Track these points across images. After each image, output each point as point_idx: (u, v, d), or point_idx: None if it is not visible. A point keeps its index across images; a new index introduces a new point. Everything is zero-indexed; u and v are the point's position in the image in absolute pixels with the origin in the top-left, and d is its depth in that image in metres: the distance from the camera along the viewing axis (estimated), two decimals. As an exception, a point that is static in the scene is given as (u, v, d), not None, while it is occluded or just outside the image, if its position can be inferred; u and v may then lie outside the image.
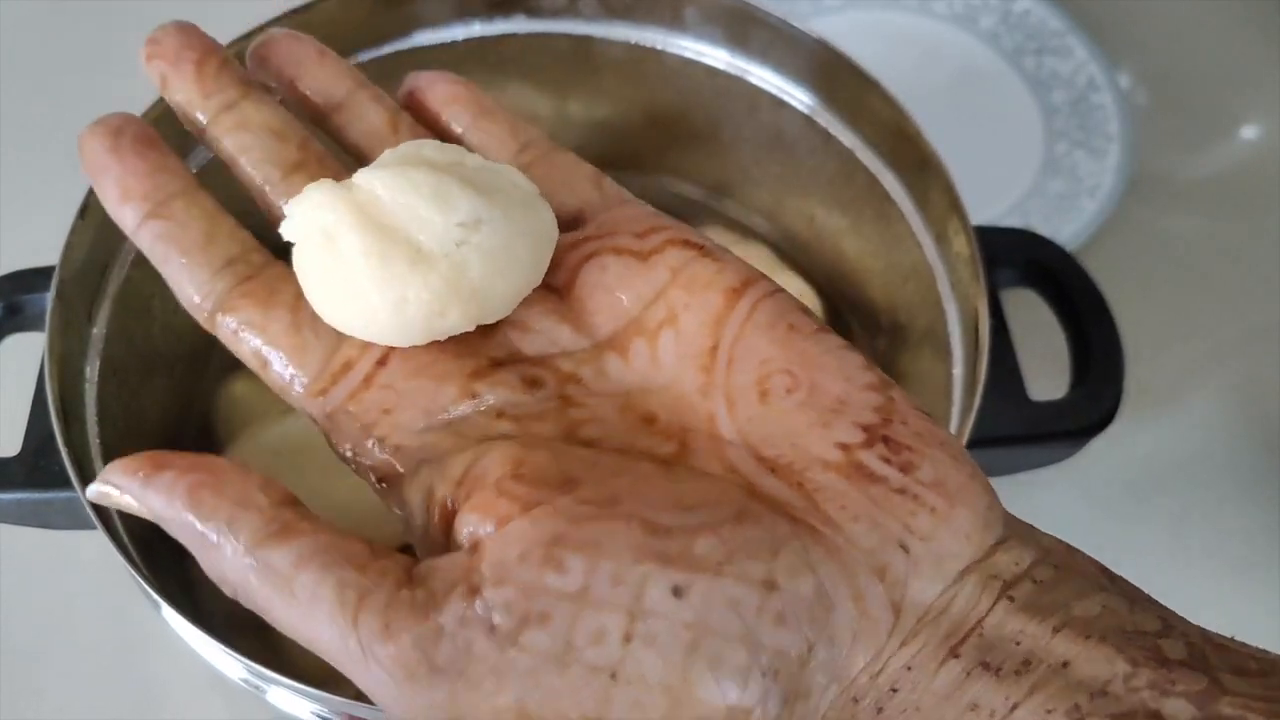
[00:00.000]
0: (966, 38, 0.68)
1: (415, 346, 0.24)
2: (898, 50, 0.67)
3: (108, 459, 0.40)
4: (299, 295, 0.25)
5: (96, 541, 0.40)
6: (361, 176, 0.25)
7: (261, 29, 0.44)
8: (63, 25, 0.70)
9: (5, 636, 0.51)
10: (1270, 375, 0.59)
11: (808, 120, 0.48)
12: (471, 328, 0.24)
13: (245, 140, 0.26)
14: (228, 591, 0.22)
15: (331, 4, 0.46)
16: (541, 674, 0.20)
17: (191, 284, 0.26)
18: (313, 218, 0.24)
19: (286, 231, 0.25)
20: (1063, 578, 0.22)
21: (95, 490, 0.23)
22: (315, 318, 0.25)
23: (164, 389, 0.47)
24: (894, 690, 0.21)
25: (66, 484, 0.37)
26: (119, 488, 0.22)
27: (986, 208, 0.60)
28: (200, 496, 0.21)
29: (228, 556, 0.21)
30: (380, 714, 0.34)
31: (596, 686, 0.20)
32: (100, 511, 0.37)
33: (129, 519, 0.39)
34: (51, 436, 0.38)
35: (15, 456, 0.40)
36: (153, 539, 0.43)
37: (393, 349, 0.25)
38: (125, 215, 0.26)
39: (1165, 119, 0.67)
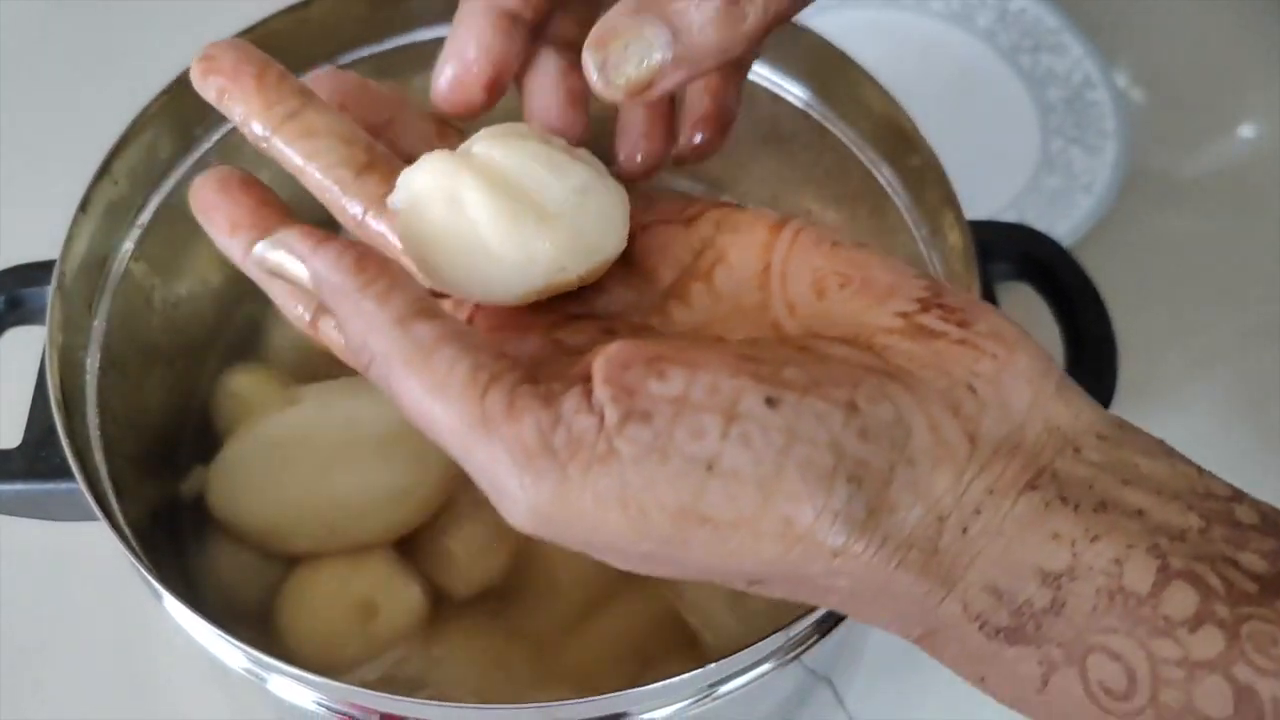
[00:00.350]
0: (963, 35, 0.68)
1: (498, 306, 0.27)
2: (895, 48, 0.67)
3: (108, 450, 0.40)
4: None
5: (96, 535, 0.40)
6: (477, 147, 0.27)
7: (264, 23, 0.44)
8: (64, 22, 0.70)
9: (4, 629, 0.51)
10: (1266, 373, 0.59)
11: (804, 115, 0.49)
12: (579, 284, 0.27)
13: (313, 146, 0.27)
14: (361, 360, 0.23)
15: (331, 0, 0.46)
16: (644, 463, 0.21)
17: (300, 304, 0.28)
18: (435, 182, 0.26)
19: (398, 198, 0.26)
20: (1127, 438, 0.24)
21: (265, 246, 0.24)
22: None
23: (164, 381, 0.47)
24: (977, 512, 0.22)
25: (67, 475, 0.37)
26: (289, 249, 0.24)
27: (983, 203, 0.60)
28: (365, 265, 0.23)
29: (378, 323, 0.22)
30: (383, 704, 0.34)
31: (694, 478, 0.21)
32: (101, 502, 0.37)
33: (130, 510, 0.40)
34: (52, 428, 0.38)
35: (16, 448, 0.40)
36: (153, 531, 0.43)
37: (478, 306, 0.27)
38: (234, 247, 0.27)
39: (1161, 117, 0.68)
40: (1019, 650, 0.22)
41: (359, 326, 0.23)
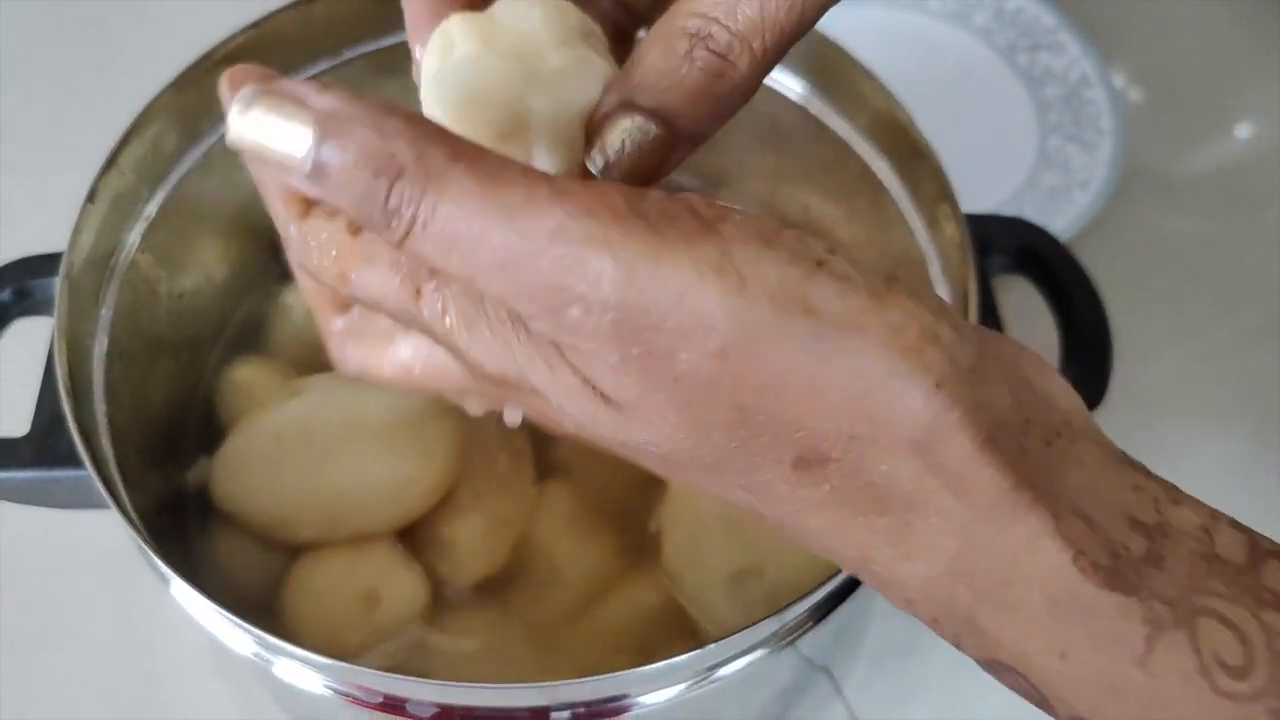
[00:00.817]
0: (961, 34, 0.68)
1: None
2: (893, 46, 0.67)
3: (115, 438, 0.41)
4: None
5: (98, 525, 0.40)
6: (497, 10, 0.26)
7: (268, 19, 0.45)
8: (71, 15, 0.71)
9: (7, 620, 0.52)
10: (1262, 371, 0.60)
11: (802, 110, 0.49)
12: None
13: None
14: (392, 161, 0.21)
15: (334, -4, 0.46)
16: (749, 244, 0.20)
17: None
18: (438, 39, 0.25)
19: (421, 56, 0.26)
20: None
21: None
22: None
23: (169, 371, 0.47)
24: (1058, 434, 0.21)
25: (75, 462, 0.38)
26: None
27: (981, 199, 0.61)
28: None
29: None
30: (390, 685, 0.35)
31: (802, 266, 0.20)
32: (110, 489, 0.38)
33: (136, 499, 0.40)
34: (59, 417, 0.39)
35: (25, 436, 0.40)
36: (158, 520, 0.43)
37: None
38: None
39: (1158, 115, 0.68)
40: (1119, 601, 0.19)
41: (381, 139, 0.20)
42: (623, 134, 0.23)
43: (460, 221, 0.20)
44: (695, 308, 0.20)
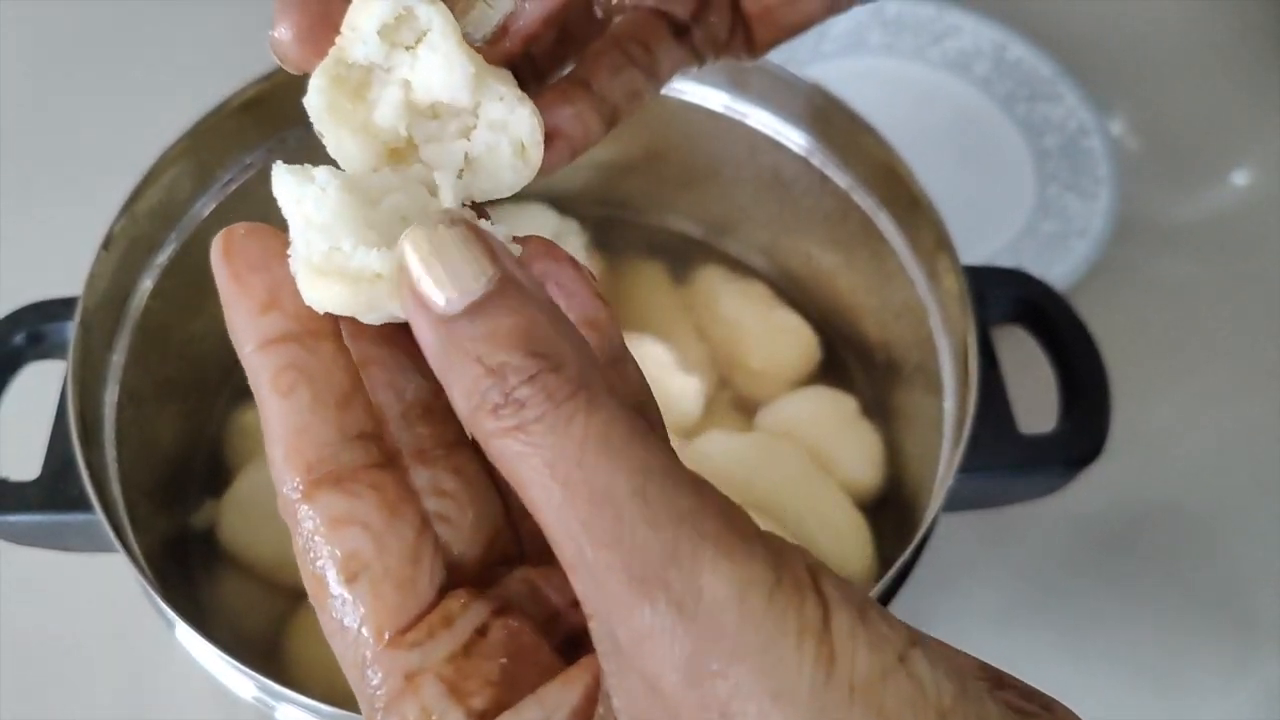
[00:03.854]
0: (960, 84, 0.70)
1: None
2: (893, 96, 0.69)
3: (125, 483, 0.41)
4: (425, 518, 0.21)
5: (106, 566, 0.41)
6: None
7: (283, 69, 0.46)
8: (88, 63, 0.72)
9: (14, 660, 0.52)
10: (1258, 417, 0.60)
11: (804, 162, 0.50)
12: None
13: None
14: (526, 359, 0.18)
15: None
16: None
17: (307, 435, 0.20)
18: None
19: None
20: None
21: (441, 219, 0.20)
22: (436, 551, 0.21)
23: (178, 415, 0.48)
24: None
25: (85, 506, 0.38)
26: (473, 233, 0.20)
27: (981, 247, 0.62)
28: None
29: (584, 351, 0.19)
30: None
31: None
32: (119, 533, 0.38)
33: (143, 542, 0.40)
34: (70, 460, 0.39)
35: (35, 480, 0.41)
36: (164, 562, 0.44)
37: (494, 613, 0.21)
38: (260, 326, 0.21)
39: (1155, 164, 0.69)
40: None
41: (553, 331, 0.19)
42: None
43: (589, 452, 0.18)
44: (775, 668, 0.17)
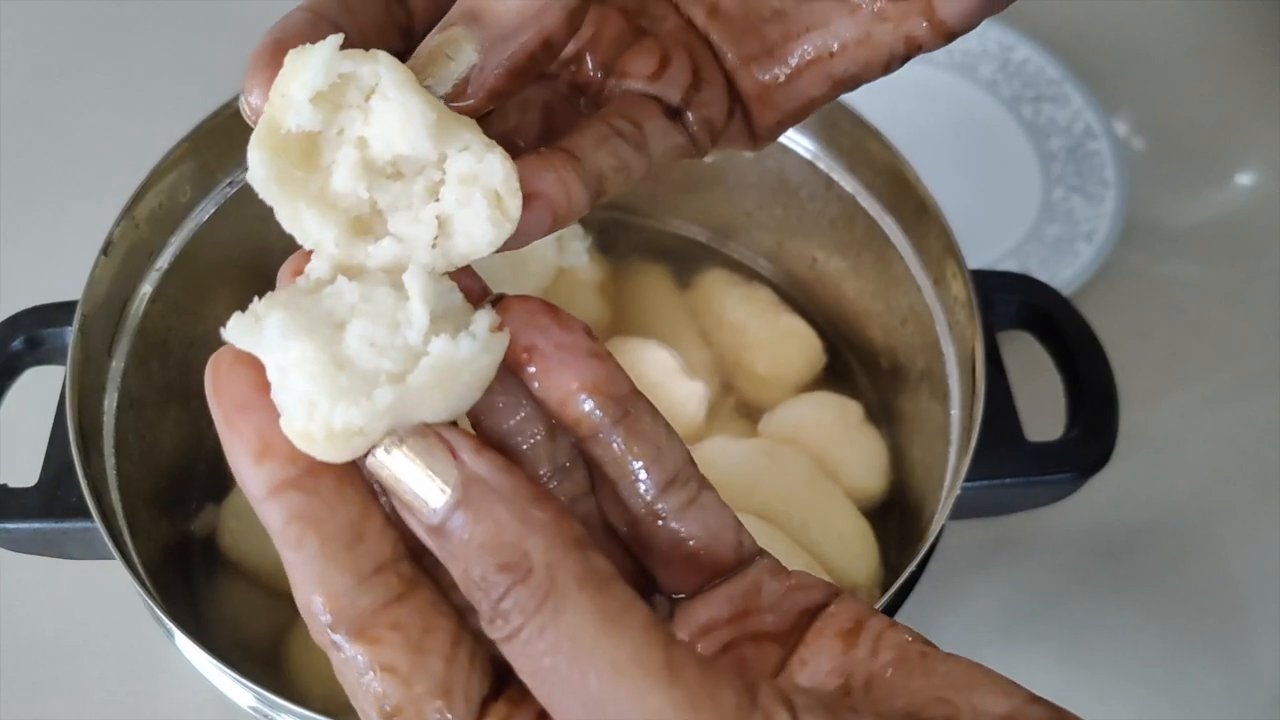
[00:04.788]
0: (966, 85, 0.69)
1: None
2: (899, 98, 0.68)
3: (123, 490, 0.41)
4: (456, 634, 0.21)
5: (106, 573, 0.40)
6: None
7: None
8: (87, 68, 0.72)
9: (13, 666, 0.51)
10: (1264, 419, 0.60)
11: (810, 165, 0.50)
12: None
13: None
14: (507, 564, 0.19)
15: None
16: None
17: (322, 586, 0.20)
18: None
19: None
20: None
21: (396, 443, 0.21)
22: (472, 665, 0.21)
23: (178, 421, 0.48)
24: None
25: (83, 514, 0.38)
26: (428, 448, 0.21)
27: (987, 250, 0.61)
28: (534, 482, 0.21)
29: (552, 536, 0.20)
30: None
31: None
32: (117, 541, 0.38)
33: (142, 548, 0.40)
34: (69, 468, 0.39)
35: (33, 487, 0.41)
36: (164, 569, 0.43)
37: None
38: (258, 477, 0.20)
39: (1161, 166, 0.69)
40: None
41: (519, 531, 0.20)
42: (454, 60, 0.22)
43: (562, 656, 0.19)
44: None
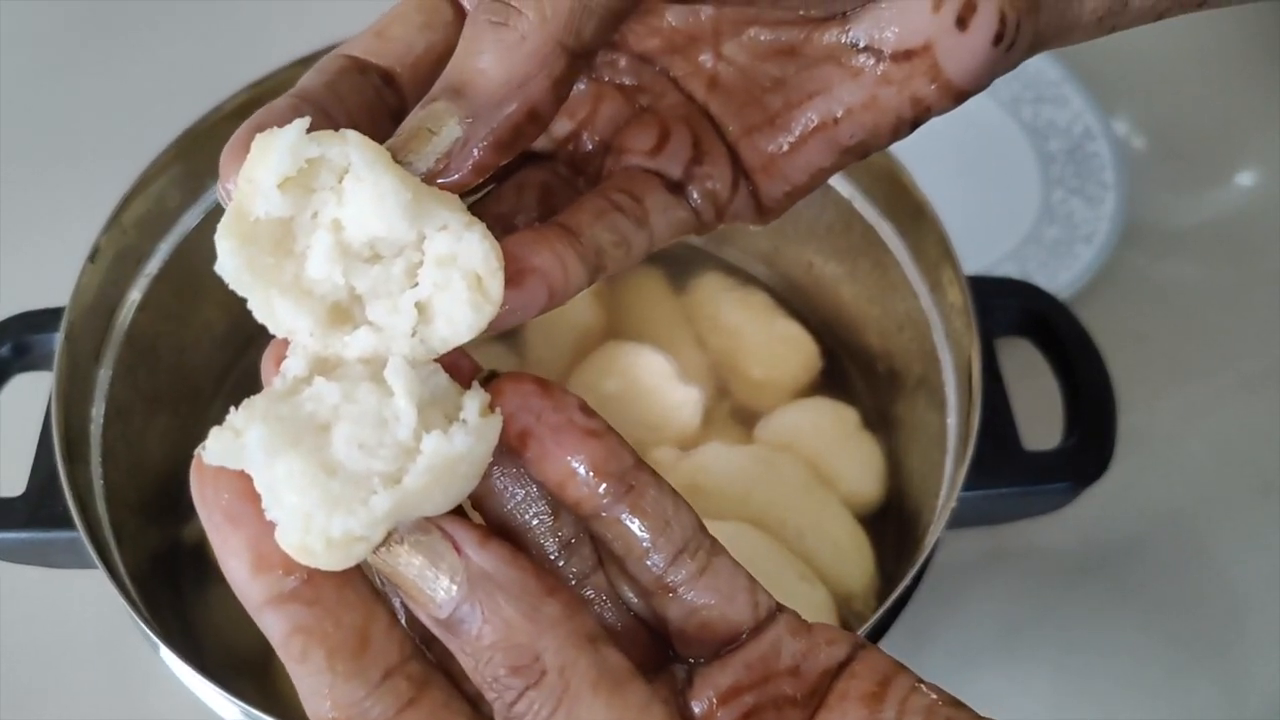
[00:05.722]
0: (964, 86, 0.69)
1: None
2: (897, 98, 0.68)
3: (110, 498, 0.40)
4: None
5: (95, 582, 0.40)
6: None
7: (275, 75, 0.45)
8: (77, 73, 0.71)
9: (0, 674, 0.51)
10: (1264, 421, 0.59)
11: (805, 170, 0.49)
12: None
13: None
14: (520, 666, 0.20)
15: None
16: None
17: (332, 699, 0.20)
18: None
19: None
20: None
21: (405, 535, 0.20)
22: None
23: (167, 429, 0.47)
24: None
25: (70, 524, 0.38)
26: (432, 544, 0.20)
27: (986, 253, 0.61)
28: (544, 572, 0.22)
29: (565, 634, 0.20)
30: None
31: None
32: (102, 551, 0.37)
33: (130, 557, 0.40)
34: (56, 477, 0.38)
35: (20, 496, 0.40)
36: (153, 577, 0.43)
37: None
38: (254, 589, 0.20)
39: (1160, 167, 0.68)
40: None
41: (530, 631, 0.20)
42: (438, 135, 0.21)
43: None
44: None
